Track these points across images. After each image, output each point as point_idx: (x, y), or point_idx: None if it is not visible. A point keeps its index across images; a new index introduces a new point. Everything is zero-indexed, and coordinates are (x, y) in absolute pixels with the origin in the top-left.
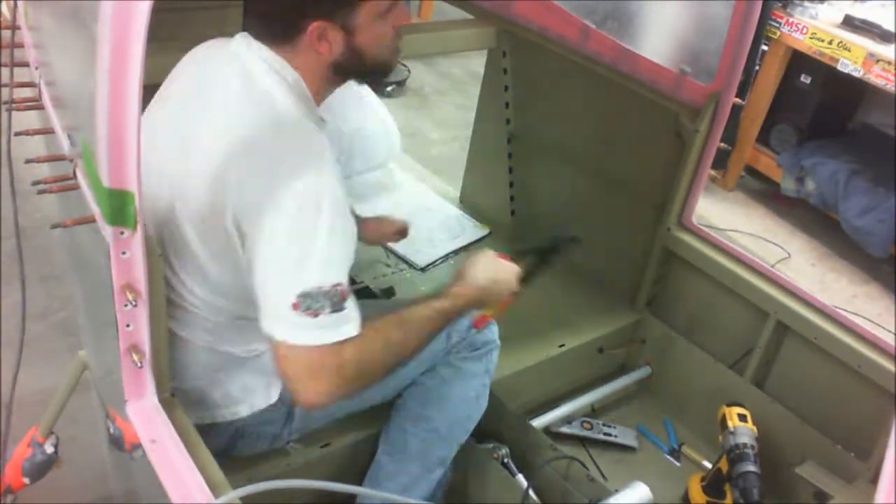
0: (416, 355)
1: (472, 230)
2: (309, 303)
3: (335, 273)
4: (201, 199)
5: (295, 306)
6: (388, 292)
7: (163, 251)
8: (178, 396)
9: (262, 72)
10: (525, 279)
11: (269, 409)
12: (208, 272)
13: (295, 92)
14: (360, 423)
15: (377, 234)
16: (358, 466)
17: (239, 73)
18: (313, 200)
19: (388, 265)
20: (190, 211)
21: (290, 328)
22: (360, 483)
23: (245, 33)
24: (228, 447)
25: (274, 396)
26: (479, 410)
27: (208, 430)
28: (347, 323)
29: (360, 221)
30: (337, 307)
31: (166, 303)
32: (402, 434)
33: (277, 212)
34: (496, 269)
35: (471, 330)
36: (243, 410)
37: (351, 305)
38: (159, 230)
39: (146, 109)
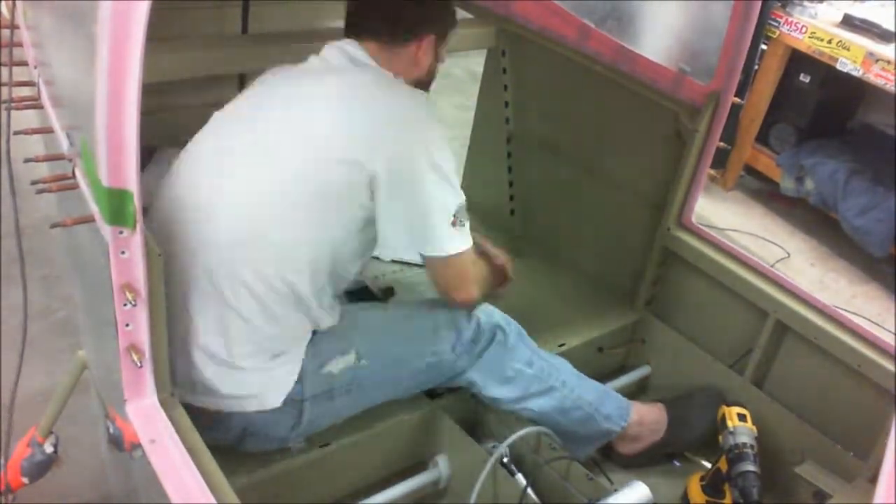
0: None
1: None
2: (460, 217)
3: (460, 190)
4: (337, 182)
5: (454, 223)
6: (388, 292)
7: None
8: (193, 381)
9: (365, 63)
10: None
11: (279, 411)
12: (299, 248)
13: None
14: (361, 424)
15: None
16: (358, 466)
17: (345, 66)
18: (439, 145)
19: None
20: (300, 191)
21: (454, 241)
22: (359, 483)
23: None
24: (236, 443)
25: (278, 401)
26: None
27: (218, 425)
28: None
29: None
30: (467, 216)
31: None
32: None
33: (422, 159)
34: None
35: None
36: (251, 406)
37: None
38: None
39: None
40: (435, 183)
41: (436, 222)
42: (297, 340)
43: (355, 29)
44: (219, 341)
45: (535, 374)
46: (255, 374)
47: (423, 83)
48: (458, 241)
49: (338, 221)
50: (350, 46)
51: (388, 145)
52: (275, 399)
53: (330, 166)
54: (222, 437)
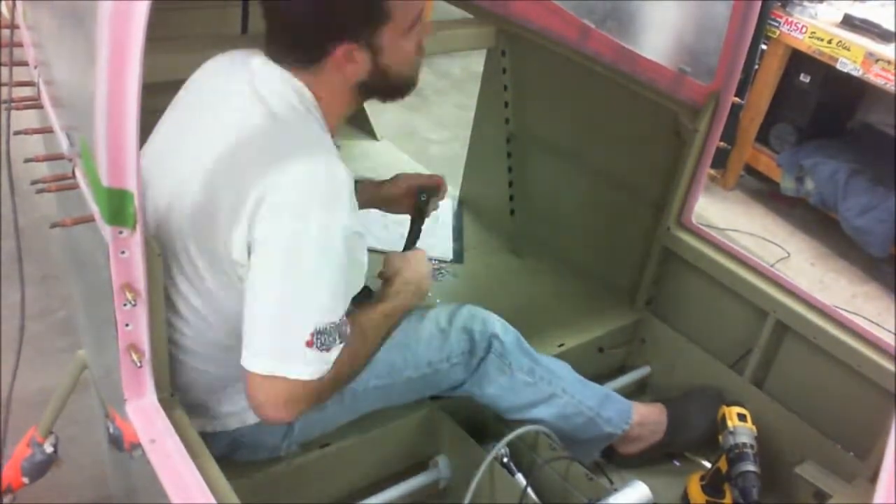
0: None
1: None
2: (324, 339)
3: (344, 305)
4: (203, 216)
5: (309, 343)
6: None
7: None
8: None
9: (278, 99)
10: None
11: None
12: (205, 283)
13: (312, 117)
14: (361, 425)
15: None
16: (358, 467)
17: (253, 96)
18: (328, 239)
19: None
20: (188, 223)
21: (296, 364)
22: (359, 484)
23: (263, 58)
24: (227, 455)
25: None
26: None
27: (206, 440)
28: (339, 350)
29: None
30: (343, 337)
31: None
32: None
33: (289, 249)
34: (415, 260)
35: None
36: (233, 423)
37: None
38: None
39: (160, 120)
40: (305, 281)
41: (284, 332)
42: None
43: (271, 51)
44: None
45: (535, 383)
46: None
47: (397, 79)
48: (302, 365)
49: None
50: (268, 85)
51: (268, 209)
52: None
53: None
54: (212, 451)
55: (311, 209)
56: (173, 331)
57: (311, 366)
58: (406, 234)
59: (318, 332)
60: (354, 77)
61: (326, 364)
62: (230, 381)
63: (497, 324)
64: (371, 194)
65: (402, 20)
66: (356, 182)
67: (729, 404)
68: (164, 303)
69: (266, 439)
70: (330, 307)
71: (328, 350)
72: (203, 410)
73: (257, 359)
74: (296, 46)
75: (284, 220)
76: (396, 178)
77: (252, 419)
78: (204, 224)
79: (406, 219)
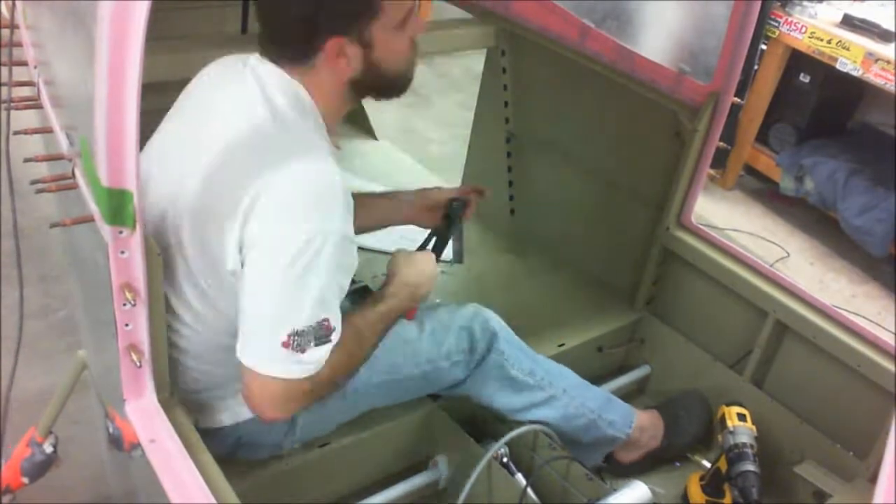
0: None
1: None
2: (299, 340)
3: (327, 309)
4: (199, 213)
5: (285, 344)
6: None
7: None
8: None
9: (281, 98)
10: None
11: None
12: (203, 283)
13: (309, 117)
14: (360, 424)
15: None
16: (358, 466)
17: (253, 96)
18: (316, 244)
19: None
20: (186, 218)
21: (276, 363)
22: (359, 483)
23: (259, 56)
24: (229, 454)
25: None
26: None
27: (208, 438)
28: (326, 351)
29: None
30: (321, 341)
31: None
32: None
33: (277, 251)
34: (419, 262)
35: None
36: (227, 419)
37: (335, 334)
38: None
39: (161, 123)
40: (288, 283)
41: (264, 331)
42: None
43: (267, 57)
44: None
45: (535, 384)
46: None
47: (391, 75)
48: (280, 364)
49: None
50: (267, 85)
51: (263, 210)
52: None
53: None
54: (215, 448)
55: (302, 212)
56: (172, 332)
57: (292, 365)
58: (423, 241)
59: (296, 334)
60: (347, 73)
61: (307, 364)
62: (231, 379)
63: (498, 324)
64: (388, 209)
65: (392, 15)
66: (358, 195)
67: (729, 404)
68: (163, 302)
69: (268, 437)
70: (309, 311)
71: (303, 352)
72: (207, 408)
73: (244, 354)
74: (287, 43)
75: (275, 221)
76: (425, 192)
77: (244, 415)
78: (202, 223)
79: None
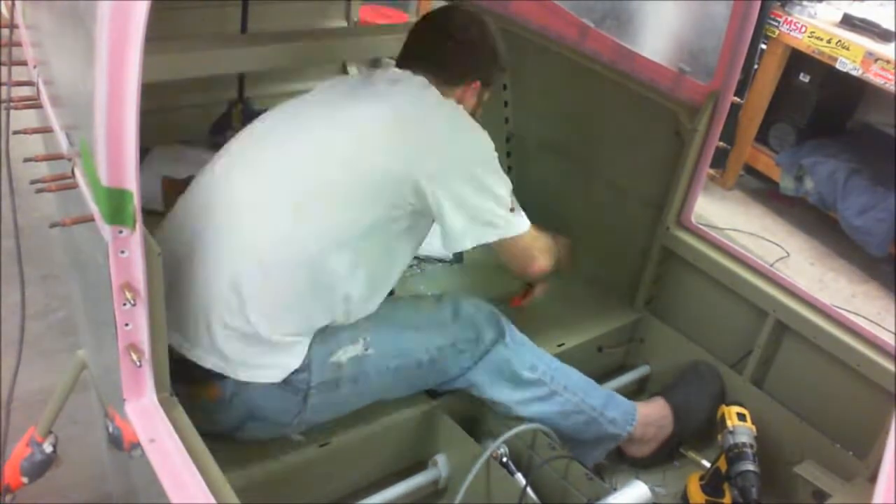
0: None
1: None
2: (513, 203)
3: (507, 178)
4: (381, 170)
5: (511, 209)
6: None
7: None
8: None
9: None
10: None
11: (285, 396)
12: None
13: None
14: (360, 423)
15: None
16: (358, 465)
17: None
18: (485, 146)
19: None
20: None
21: (517, 224)
22: (359, 483)
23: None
24: (237, 427)
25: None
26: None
27: (221, 406)
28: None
29: None
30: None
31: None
32: None
33: (475, 161)
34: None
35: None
36: (242, 375)
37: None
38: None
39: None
40: (489, 178)
41: (497, 212)
42: (317, 325)
43: (409, 62)
44: (252, 315)
45: (537, 379)
46: (276, 348)
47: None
48: (517, 223)
49: (381, 208)
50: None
51: (441, 156)
52: (278, 374)
53: (376, 159)
54: (224, 419)
55: (465, 137)
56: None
57: (520, 220)
58: None
59: (512, 200)
60: (470, 105)
61: (524, 217)
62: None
63: (501, 319)
64: None
65: (488, 89)
66: None
67: (728, 403)
68: (163, 302)
69: (279, 415)
70: (506, 185)
71: (518, 207)
72: (239, 361)
73: (496, 232)
74: (447, 68)
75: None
76: None
77: (274, 377)
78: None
79: None
